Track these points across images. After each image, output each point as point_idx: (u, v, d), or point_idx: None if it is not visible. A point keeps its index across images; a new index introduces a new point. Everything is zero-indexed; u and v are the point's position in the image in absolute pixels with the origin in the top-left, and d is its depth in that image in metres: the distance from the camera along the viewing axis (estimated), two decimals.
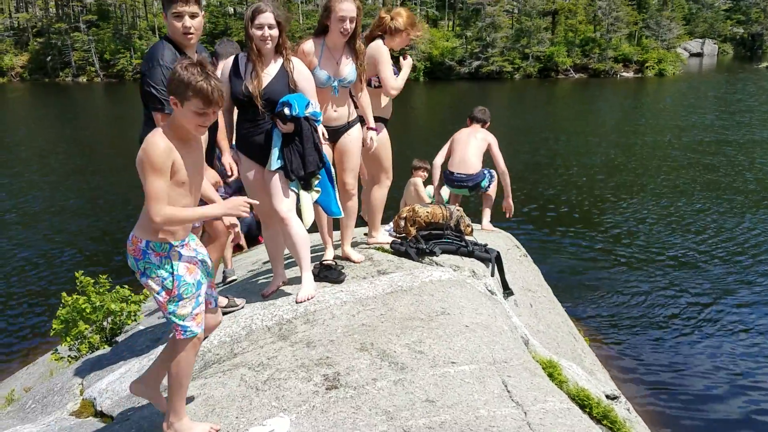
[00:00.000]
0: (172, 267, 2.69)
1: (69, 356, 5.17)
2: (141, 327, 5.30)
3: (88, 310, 5.03)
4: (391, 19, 4.66)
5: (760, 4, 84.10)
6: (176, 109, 2.61)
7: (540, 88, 47.02)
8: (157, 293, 2.71)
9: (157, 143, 2.56)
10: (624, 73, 56.09)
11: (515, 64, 55.75)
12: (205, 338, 2.90)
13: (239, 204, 2.71)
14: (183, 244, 2.75)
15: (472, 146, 6.64)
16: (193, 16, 3.53)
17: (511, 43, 56.59)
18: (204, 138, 3.01)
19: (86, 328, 5.05)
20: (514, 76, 55.34)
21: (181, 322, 2.73)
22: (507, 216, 6.96)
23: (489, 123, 6.92)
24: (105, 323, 5.25)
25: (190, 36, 3.56)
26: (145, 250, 2.66)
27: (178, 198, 2.65)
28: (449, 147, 6.79)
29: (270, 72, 3.85)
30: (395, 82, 4.66)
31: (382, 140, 4.76)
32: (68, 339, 5.06)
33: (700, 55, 76.87)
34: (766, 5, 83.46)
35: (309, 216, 3.98)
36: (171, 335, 2.83)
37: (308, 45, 4.21)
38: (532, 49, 56.03)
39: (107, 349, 4.94)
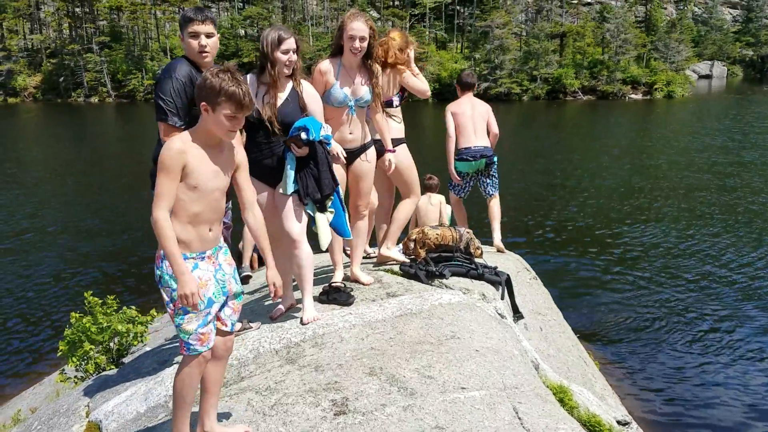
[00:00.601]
0: None
1: (75, 377, 5.14)
2: (148, 348, 5.27)
3: (94, 331, 5.01)
4: (393, 40, 4.81)
5: None
6: (206, 115, 2.66)
7: (548, 110, 47.10)
8: (166, 303, 2.72)
9: (171, 145, 2.63)
10: (632, 95, 56.13)
11: (523, 86, 55.95)
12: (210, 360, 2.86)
13: (190, 294, 2.60)
14: (202, 256, 2.74)
15: (479, 119, 6.58)
16: (208, 35, 3.61)
17: (520, 65, 56.84)
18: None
19: (92, 349, 5.02)
20: (522, 97, 55.52)
21: (185, 338, 2.72)
22: None
23: (477, 84, 6.87)
24: (111, 344, 5.23)
25: (206, 54, 3.62)
26: (163, 259, 2.66)
27: (189, 203, 2.66)
28: (455, 122, 6.63)
29: (281, 95, 3.87)
30: (425, 85, 4.96)
31: (408, 160, 4.90)
32: (74, 359, 5.03)
33: (709, 77, 76.80)
34: None
35: (326, 237, 3.99)
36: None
37: (325, 64, 4.28)
38: (540, 71, 56.23)
39: (114, 370, 4.91)
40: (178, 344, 4.52)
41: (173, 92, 3.48)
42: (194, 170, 2.65)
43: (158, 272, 2.70)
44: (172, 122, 3.47)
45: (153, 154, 3.63)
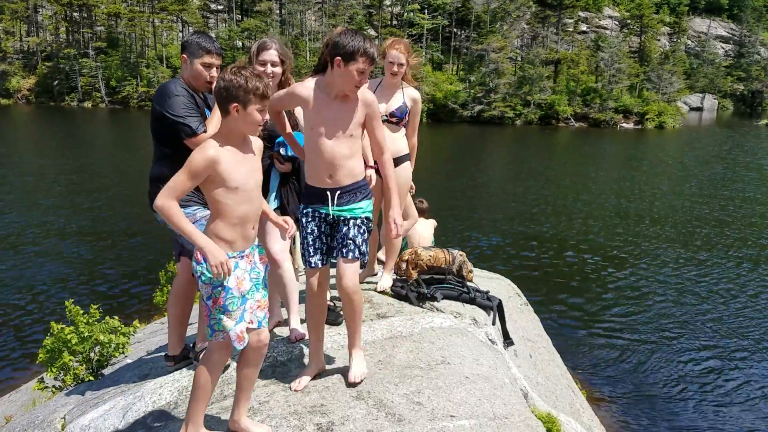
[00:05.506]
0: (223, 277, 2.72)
1: (53, 386, 5.01)
2: (129, 360, 5.15)
3: (74, 341, 4.89)
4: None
5: (760, 62, 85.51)
6: (236, 115, 2.69)
7: (541, 135, 47.38)
8: (206, 299, 2.74)
9: (205, 151, 2.66)
10: (624, 124, 56.61)
11: (517, 110, 56.30)
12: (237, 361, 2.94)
13: (220, 263, 2.66)
14: (242, 255, 2.78)
15: None
16: (218, 68, 3.71)
17: (514, 90, 57.26)
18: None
19: (71, 360, 4.90)
20: (515, 121, 55.84)
21: (228, 331, 2.73)
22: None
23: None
24: (92, 354, 5.10)
25: (212, 86, 3.68)
26: (206, 256, 2.68)
27: (235, 205, 2.71)
28: None
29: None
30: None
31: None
32: (53, 369, 4.91)
33: (700, 109, 77.74)
34: (767, 63, 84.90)
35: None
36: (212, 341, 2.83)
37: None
38: (534, 97, 56.68)
39: (93, 381, 4.79)
40: (160, 356, 4.42)
41: (184, 106, 3.51)
42: (231, 173, 2.69)
43: (200, 268, 2.69)
44: (200, 131, 3.49)
45: (150, 174, 3.67)
